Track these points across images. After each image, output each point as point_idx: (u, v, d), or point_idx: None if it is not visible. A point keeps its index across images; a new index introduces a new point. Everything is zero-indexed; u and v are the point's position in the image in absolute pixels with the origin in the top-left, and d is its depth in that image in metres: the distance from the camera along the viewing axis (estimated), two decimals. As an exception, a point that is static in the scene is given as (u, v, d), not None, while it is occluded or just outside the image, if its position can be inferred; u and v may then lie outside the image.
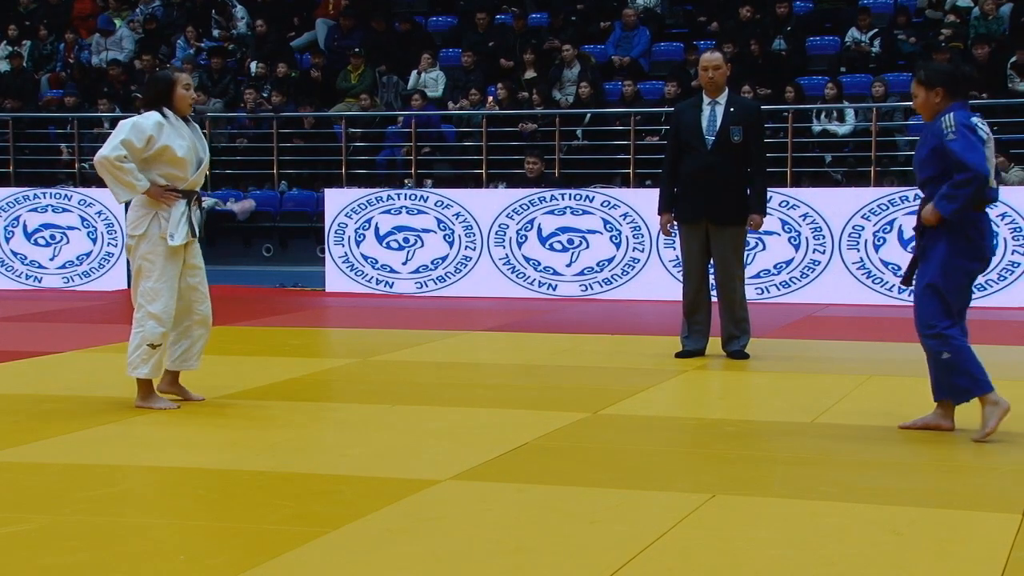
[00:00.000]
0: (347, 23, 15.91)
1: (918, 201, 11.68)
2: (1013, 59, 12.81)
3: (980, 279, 10.75)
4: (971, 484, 4.90)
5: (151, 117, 6.30)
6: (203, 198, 6.55)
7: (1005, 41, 13.59)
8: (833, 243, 11.31)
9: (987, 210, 5.60)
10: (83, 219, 13.36)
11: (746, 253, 8.63)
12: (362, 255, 12.50)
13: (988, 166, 5.46)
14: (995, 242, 5.74)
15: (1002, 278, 10.93)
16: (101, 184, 14.40)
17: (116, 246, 13.26)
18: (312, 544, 4.12)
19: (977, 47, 13.08)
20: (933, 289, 5.52)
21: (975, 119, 5.50)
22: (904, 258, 11.12)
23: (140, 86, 15.60)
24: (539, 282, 11.99)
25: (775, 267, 11.43)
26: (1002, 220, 10.95)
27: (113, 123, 15.17)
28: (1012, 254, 10.92)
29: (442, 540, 4.22)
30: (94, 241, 13.30)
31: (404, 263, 12.39)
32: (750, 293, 8.71)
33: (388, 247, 12.47)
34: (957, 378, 5.55)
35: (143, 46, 16.50)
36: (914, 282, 5.68)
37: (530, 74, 14.58)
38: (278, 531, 4.29)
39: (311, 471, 5.19)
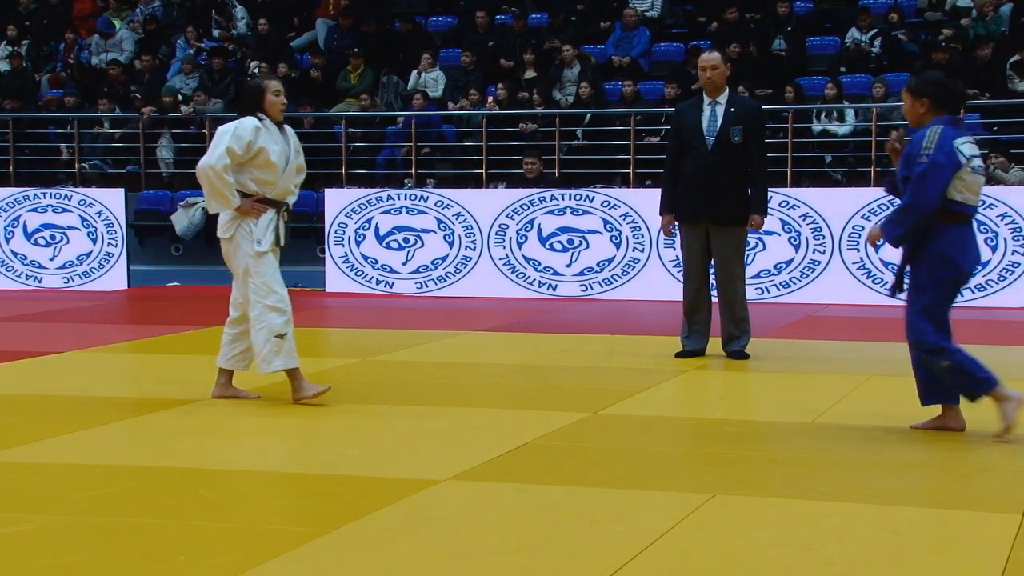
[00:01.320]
0: (346, 23, 15.91)
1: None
2: (1013, 59, 12.81)
3: (980, 279, 10.85)
4: (971, 484, 4.90)
5: (249, 122, 6.32)
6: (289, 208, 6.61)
7: (1005, 41, 13.59)
8: (833, 243, 11.31)
9: (970, 222, 5.62)
10: (83, 219, 13.35)
11: (746, 253, 8.62)
12: (362, 255, 12.50)
13: (964, 196, 5.47)
14: (978, 253, 5.72)
15: (1002, 278, 10.93)
16: (101, 184, 14.52)
17: (116, 246, 13.26)
18: (312, 544, 4.12)
19: (976, 48, 13.08)
20: (927, 312, 5.59)
21: (960, 141, 5.45)
22: (904, 258, 11.13)
23: (140, 86, 15.63)
24: (539, 282, 11.99)
25: (775, 267, 11.43)
26: (1002, 220, 10.95)
27: (113, 123, 15.23)
28: (1012, 254, 10.92)
29: (442, 540, 4.22)
30: (94, 241, 13.30)
31: (404, 263, 12.39)
32: (750, 293, 8.71)
33: (388, 247, 12.47)
34: (963, 382, 5.58)
35: (143, 46, 16.50)
36: (906, 294, 5.69)
37: (530, 74, 14.58)
38: (278, 531, 4.29)
39: (311, 471, 5.19)
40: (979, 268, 5.76)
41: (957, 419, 5.75)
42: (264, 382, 7.28)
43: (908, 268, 5.70)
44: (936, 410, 5.81)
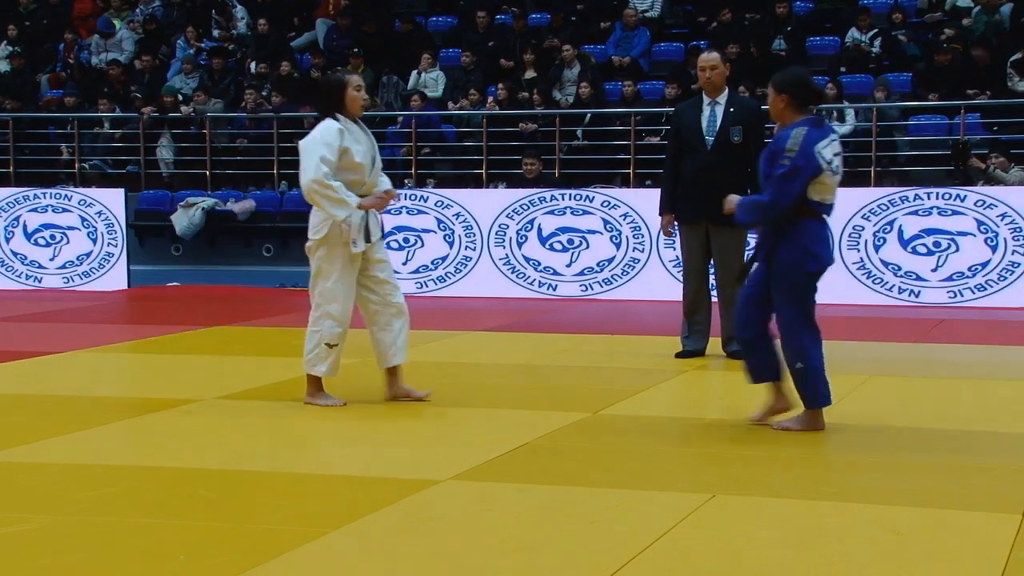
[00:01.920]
0: (344, 23, 15.91)
1: (919, 201, 11.73)
2: (1014, 58, 12.80)
3: (980, 279, 10.85)
4: (971, 484, 4.90)
5: (331, 126, 6.25)
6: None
7: (1005, 41, 13.59)
8: (832, 243, 11.29)
9: (824, 218, 5.69)
10: (83, 219, 13.36)
11: (746, 253, 8.62)
12: (362, 255, 12.48)
13: (822, 196, 5.57)
14: (831, 247, 5.85)
15: (1002, 278, 10.93)
16: (101, 184, 14.53)
17: (116, 246, 13.26)
18: (312, 544, 4.12)
19: (976, 47, 13.08)
20: (792, 309, 5.64)
21: (822, 144, 5.53)
22: (904, 258, 11.14)
23: (140, 86, 15.63)
24: (539, 282, 11.99)
25: (775, 267, 11.41)
26: (1002, 220, 10.95)
27: (113, 123, 15.22)
28: (1012, 254, 10.92)
29: (442, 540, 4.23)
30: (94, 241, 13.30)
31: (404, 263, 12.38)
32: (750, 293, 8.70)
33: (388, 247, 12.40)
34: (807, 389, 5.69)
35: (143, 46, 16.50)
36: (750, 287, 5.77)
37: (530, 74, 14.58)
38: (278, 531, 4.29)
39: (311, 471, 5.19)
40: (832, 261, 5.88)
41: (782, 400, 5.84)
42: (267, 383, 7.27)
43: (758, 263, 5.78)
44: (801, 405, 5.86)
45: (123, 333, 10.02)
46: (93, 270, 13.29)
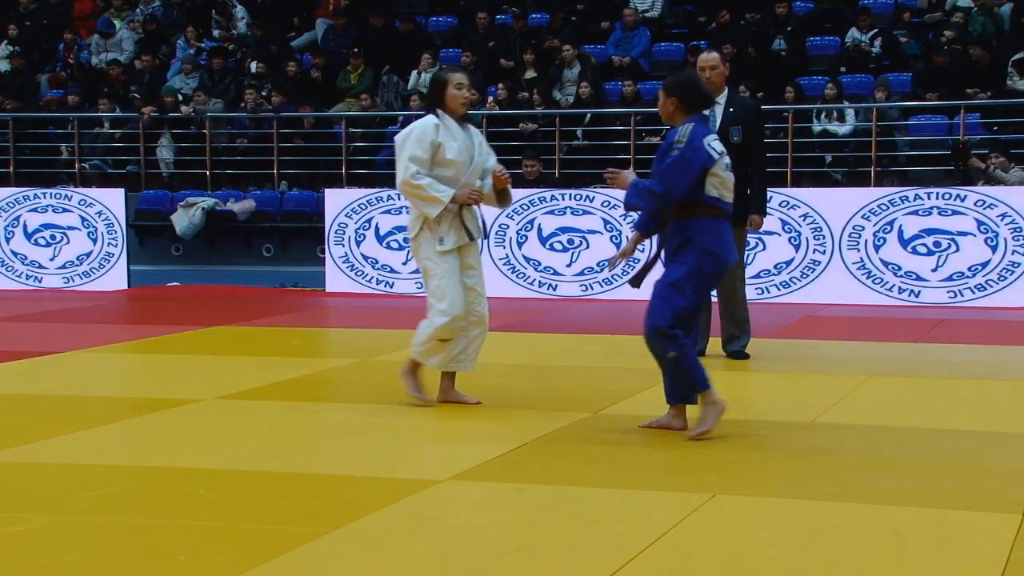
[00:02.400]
0: (340, 22, 15.89)
1: (919, 201, 11.74)
2: (1016, 57, 12.79)
3: (980, 279, 10.84)
4: (970, 484, 4.90)
5: (427, 121, 6.20)
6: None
7: (1006, 40, 13.58)
8: (833, 243, 11.31)
9: (724, 217, 5.65)
10: (83, 219, 13.36)
11: (746, 253, 8.64)
12: (362, 255, 12.51)
13: (719, 192, 5.56)
14: (731, 247, 5.72)
15: (1002, 278, 10.93)
16: (101, 184, 14.53)
17: (116, 246, 13.27)
18: (312, 544, 4.12)
19: (976, 47, 13.07)
20: (674, 292, 5.60)
21: (711, 138, 5.60)
22: (904, 258, 11.14)
23: (140, 86, 15.62)
24: (539, 282, 11.99)
25: (775, 267, 11.43)
26: (1002, 220, 10.95)
27: (113, 123, 15.22)
28: (1012, 254, 10.92)
29: (442, 540, 4.23)
30: (94, 241, 13.30)
31: (404, 263, 12.39)
32: (750, 293, 8.72)
33: (388, 247, 12.47)
34: (682, 378, 5.63)
35: (143, 46, 16.50)
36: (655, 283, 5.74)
37: (530, 74, 14.58)
38: (278, 531, 4.29)
39: (311, 471, 5.19)
40: (735, 260, 5.83)
41: (679, 420, 5.76)
42: (267, 383, 7.28)
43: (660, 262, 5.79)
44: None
45: (123, 333, 10.02)
46: (93, 270, 13.29)
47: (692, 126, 5.59)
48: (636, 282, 5.89)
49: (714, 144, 5.61)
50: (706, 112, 5.80)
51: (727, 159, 5.66)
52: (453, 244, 6.25)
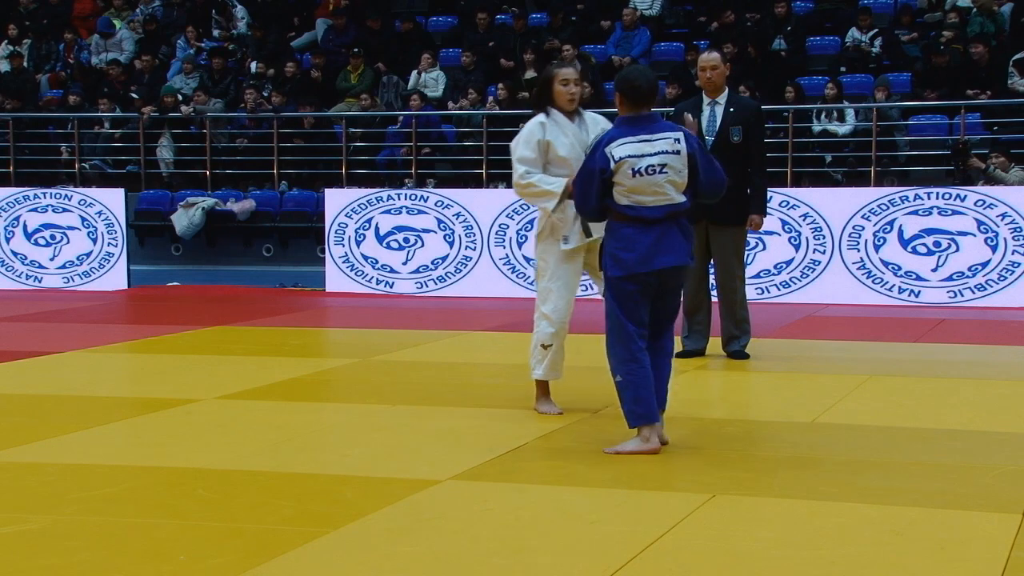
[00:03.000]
0: (339, 22, 15.90)
1: (919, 201, 11.73)
2: (1017, 57, 12.79)
3: (980, 279, 10.84)
4: (971, 484, 4.90)
5: (535, 120, 6.08)
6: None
7: (1006, 40, 13.58)
8: (833, 243, 11.31)
9: (641, 222, 5.32)
10: (83, 219, 13.36)
11: (746, 253, 8.63)
12: (362, 255, 12.51)
13: (631, 199, 5.27)
14: (655, 252, 5.32)
15: (1002, 278, 10.93)
16: (101, 184, 14.53)
17: (116, 246, 13.27)
18: (312, 544, 4.12)
19: (975, 46, 13.08)
20: (607, 310, 5.39)
21: (619, 142, 5.29)
22: (904, 258, 11.14)
23: (139, 86, 15.62)
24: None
25: (775, 267, 11.43)
26: (1002, 220, 10.95)
27: (113, 123, 15.23)
28: (1012, 254, 10.92)
29: (442, 540, 4.23)
30: (94, 241, 13.30)
31: (404, 263, 12.39)
32: (750, 293, 8.71)
33: (388, 247, 12.47)
34: (625, 404, 5.36)
35: (143, 46, 16.50)
36: None
37: (531, 74, 14.57)
38: (278, 531, 4.29)
39: (311, 471, 5.19)
40: (662, 266, 5.33)
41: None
42: (267, 383, 7.27)
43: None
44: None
45: (123, 333, 10.02)
46: (93, 270, 13.29)
47: (608, 131, 5.44)
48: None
49: (616, 150, 5.28)
50: (647, 112, 5.38)
51: (645, 161, 5.27)
52: (578, 242, 6.02)
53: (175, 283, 13.62)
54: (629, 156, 5.30)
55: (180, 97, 15.07)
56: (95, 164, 15.15)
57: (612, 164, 5.31)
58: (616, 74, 5.69)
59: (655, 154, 5.32)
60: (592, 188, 5.37)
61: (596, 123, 6.11)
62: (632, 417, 5.37)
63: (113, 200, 13.37)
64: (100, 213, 13.30)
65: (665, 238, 5.34)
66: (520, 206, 12.03)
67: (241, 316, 10.70)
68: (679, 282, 5.54)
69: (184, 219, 13.82)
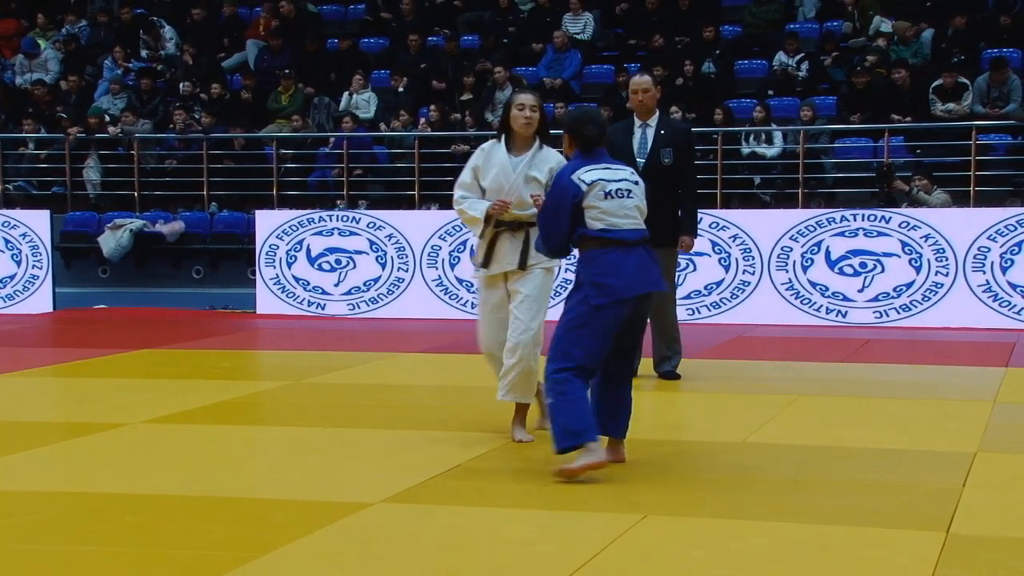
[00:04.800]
0: (276, 43, 15.84)
1: (845, 223, 11.89)
2: (936, 83, 13.08)
3: (904, 300, 11.01)
4: (896, 503, 4.97)
5: (482, 145, 6.06)
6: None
7: (927, 66, 13.87)
8: (762, 264, 11.44)
9: (620, 245, 5.33)
10: (7, 241, 13.14)
11: (677, 274, 8.70)
12: (294, 277, 12.43)
13: (606, 222, 5.28)
14: (639, 276, 5.34)
15: (926, 298, 11.13)
16: (26, 205, 14.29)
17: (41, 268, 13.06)
18: (242, 569, 4.07)
19: (898, 71, 13.34)
20: (563, 333, 5.35)
21: (584, 170, 5.34)
22: (832, 279, 11.30)
23: (66, 107, 15.40)
24: (472, 303, 11.98)
25: (706, 288, 11.54)
26: (925, 242, 11.15)
27: (38, 144, 15.00)
28: (936, 275, 11.12)
29: (374, 563, 4.20)
30: (18, 263, 13.08)
31: (336, 284, 12.33)
32: (681, 314, 8.78)
33: (320, 269, 12.40)
34: (556, 427, 5.30)
35: (68, 66, 16.30)
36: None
37: (467, 96, 14.60)
38: (207, 556, 4.23)
39: (241, 495, 5.13)
40: (643, 291, 5.36)
41: (616, 453, 5.55)
42: (196, 406, 7.18)
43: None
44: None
45: (48, 356, 9.85)
46: (17, 293, 13.07)
47: (565, 164, 5.49)
48: None
49: (585, 176, 5.32)
50: (599, 149, 5.45)
51: (615, 185, 5.34)
52: (485, 270, 5.98)
53: (102, 306, 13.43)
54: (600, 179, 5.35)
55: (108, 118, 14.89)
56: (19, 185, 14.91)
57: (584, 187, 5.32)
58: (566, 115, 5.64)
59: (620, 180, 5.40)
60: (562, 216, 5.35)
61: (546, 161, 5.96)
62: (569, 438, 5.24)
63: (38, 222, 13.17)
64: (25, 235, 13.09)
65: (643, 263, 5.38)
66: (453, 227, 12.04)
67: (170, 339, 10.57)
68: (649, 306, 5.55)
69: (112, 241, 13.64)
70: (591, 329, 5.30)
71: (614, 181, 5.39)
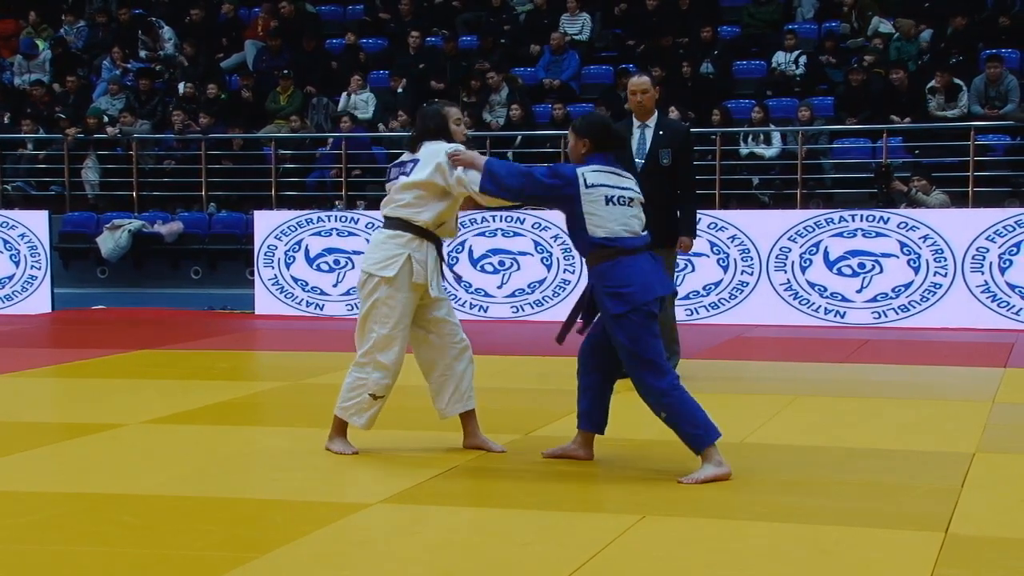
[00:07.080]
0: (274, 44, 15.84)
1: (843, 223, 11.90)
2: (930, 84, 13.09)
3: (903, 300, 11.01)
4: (894, 503, 4.97)
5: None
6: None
7: (925, 66, 13.87)
8: (761, 265, 11.45)
9: (627, 253, 5.37)
10: (5, 241, 13.14)
11: (676, 275, 8.70)
12: (292, 277, 12.43)
13: (607, 230, 5.31)
14: (650, 280, 5.37)
15: (924, 299, 11.13)
16: (24, 206, 14.29)
17: (40, 269, 13.05)
18: (241, 569, 4.07)
19: (896, 71, 13.34)
20: (629, 354, 5.37)
21: (590, 168, 5.36)
22: (830, 279, 11.30)
23: (65, 107, 15.40)
24: (470, 304, 11.99)
25: (704, 288, 11.54)
26: (924, 242, 11.16)
27: (37, 144, 14.99)
28: (934, 275, 11.12)
29: (372, 564, 4.20)
30: (17, 264, 13.08)
31: (335, 285, 12.33)
32: (679, 314, 8.79)
33: (318, 269, 12.40)
34: (685, 427, 5.36)
35: (59, 67, 16.30)
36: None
37: (471, 99, 14.58)
38: (206, 557, 4.23)
39: (240, 496, 5.13)
40: (661, 293, 5.43)
41: (586, 449, 5.63)
42: (195, 407, 7.18)
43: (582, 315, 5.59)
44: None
45: (47, 357, 9.85)
46: (16, 293, 13.07)
47: (581, 167, 5.39)
48: (559, 339, 5.70)
49: (589, 175, 5.32)
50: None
51: (617, 192, 5.36)
52: (439, 292, 5.95)
53: (101, 306, 13.42)
54: (603, 184, 5.36)
55: (106, 118, 14.89)
56: (18, 186, 14.90)
57: (583, 183, 5.32)
58: (580, 121, 5.57)
59: (625, 188, 5.43)
60: (540, 180, 5.33)
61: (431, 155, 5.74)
62: (697, 442, 5.34)
63: (36, 222, 13.17)
64: (23, 235, 13.08)
65: (653, 267, 5.43)
66: (451, 228, 12.02)
67: (168, 339, 10.57)
68: (662, 309, 5.57)
69: (110, 241, 13.64)
70: (631, 337, 5.34)
71: (619, 188, 5.42)
